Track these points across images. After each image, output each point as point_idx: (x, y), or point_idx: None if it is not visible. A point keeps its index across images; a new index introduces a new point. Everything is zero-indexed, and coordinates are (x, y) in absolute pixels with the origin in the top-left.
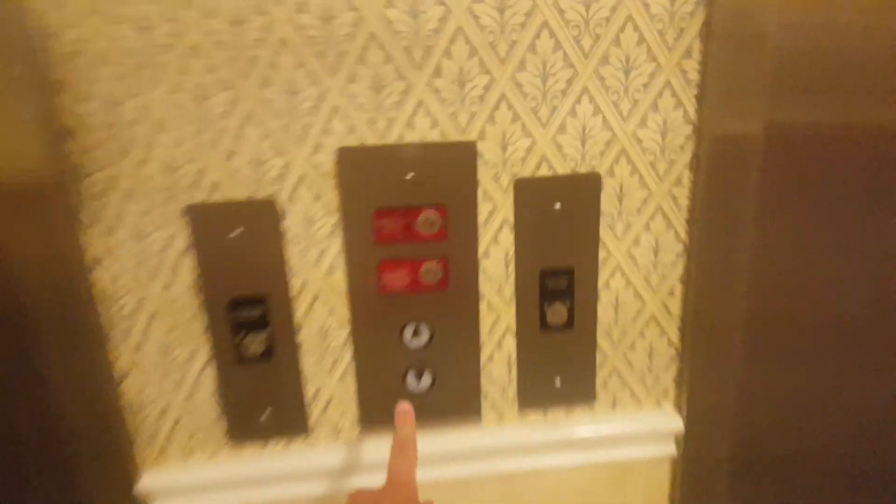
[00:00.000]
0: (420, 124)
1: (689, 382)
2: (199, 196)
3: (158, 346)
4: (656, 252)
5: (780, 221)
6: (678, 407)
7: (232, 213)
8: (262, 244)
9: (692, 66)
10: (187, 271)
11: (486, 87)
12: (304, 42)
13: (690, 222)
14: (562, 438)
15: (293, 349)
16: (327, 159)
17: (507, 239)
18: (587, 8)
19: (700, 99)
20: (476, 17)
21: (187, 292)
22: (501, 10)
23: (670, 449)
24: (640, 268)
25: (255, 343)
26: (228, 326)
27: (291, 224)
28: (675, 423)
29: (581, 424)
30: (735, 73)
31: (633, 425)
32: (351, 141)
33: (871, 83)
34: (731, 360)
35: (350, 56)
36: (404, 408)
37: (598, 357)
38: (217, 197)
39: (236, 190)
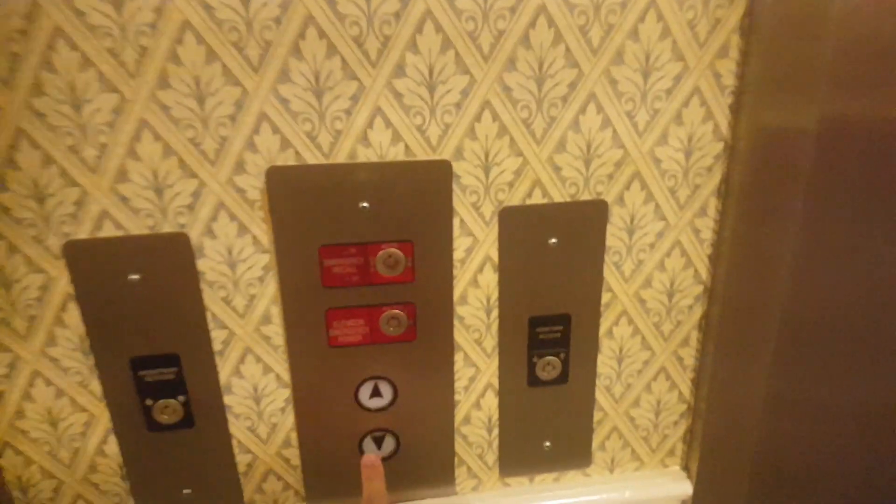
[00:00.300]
0: (377, 139)
1: (700, 440)
2: (82, 230)
3: (44, 414)
4: (671, 295)
5: (827, 252)
6: (686, 468)
7: (129, 252)
8: (171, 290)
9: (728, 68)
10: (74, 324)
11: (465, 92)
12: (214, 28)
13: (714, 259)
14: None
15: (219, 414)
16: (254, 182)
17: (490, 281)
18: None
19: (735, 110)
20: None
21: (76, 350)
22: None
23: None
24: (651, 313)
25: (167, 409)
26: (133, 389)
27: (210, 265)
28: (683, 487)
29: (573, 491)
30: (785, 67)
31: (634, 490)
32: (285, 159)
33: None
34: (751, 415)
35: (280, 47)
36: (370, 461)
37: (597, 415)
38: (107, 231)
39: (133, 222)
